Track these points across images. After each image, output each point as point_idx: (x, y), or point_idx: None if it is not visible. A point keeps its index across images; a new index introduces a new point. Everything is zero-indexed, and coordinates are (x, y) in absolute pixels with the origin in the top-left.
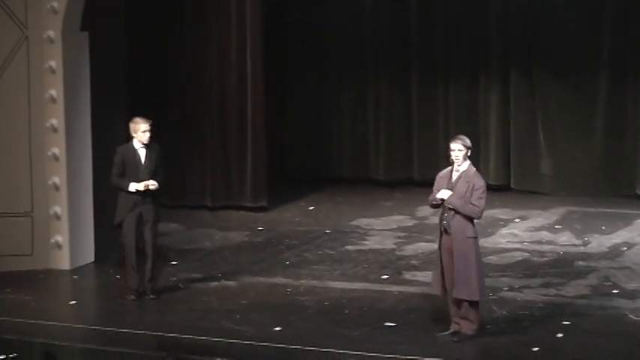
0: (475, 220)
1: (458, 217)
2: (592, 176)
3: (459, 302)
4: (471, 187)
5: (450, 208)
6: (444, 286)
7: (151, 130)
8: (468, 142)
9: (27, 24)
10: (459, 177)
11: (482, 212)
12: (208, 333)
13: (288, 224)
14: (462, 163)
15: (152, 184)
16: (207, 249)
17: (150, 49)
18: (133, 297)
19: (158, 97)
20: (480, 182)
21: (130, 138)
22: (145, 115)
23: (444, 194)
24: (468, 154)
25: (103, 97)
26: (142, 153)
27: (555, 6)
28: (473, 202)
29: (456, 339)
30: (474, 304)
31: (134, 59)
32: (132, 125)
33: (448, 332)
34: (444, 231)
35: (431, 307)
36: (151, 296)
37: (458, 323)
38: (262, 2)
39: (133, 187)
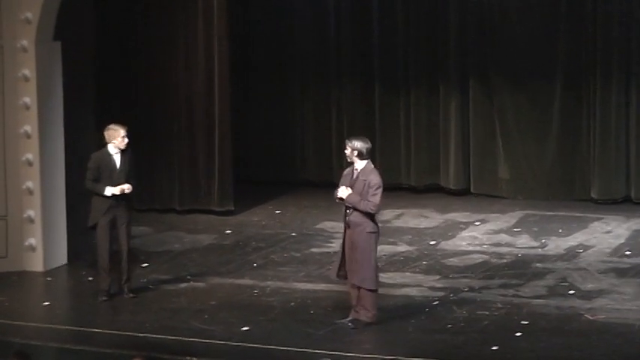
0: (377, 216)
1: (356, 212)
2: (548, 180)
3: (357, 291)
4: (367, 184)
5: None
6: (344, 275)
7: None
8: (359, 144)
9: (1, 33)
10: (357, 175)
11: (377, 207)
12: (178, 332)
13: (255, 227)
14: (356, 161)
15: (127, 188)
16: (177, 251)
17: (118, 55)
18: (104, 298)
19: (126, 103)
20: (375, 179)
21: (104, 144)
22: (116, 122)
23: (342, 193)
24: (355, 154)
25: (73, 104)
26: (117, 158)
27: (511, 16)
28: (368, 199)
29: (352, 326)
30: (369, 293)
31: (103, 66)
32: (109, 132)
33: (347, 319)
34: (347, 225)
35: (392, 307)
36: (130, 295)
37: (357, 312)
38: (228, 9)
39: (109, 191)
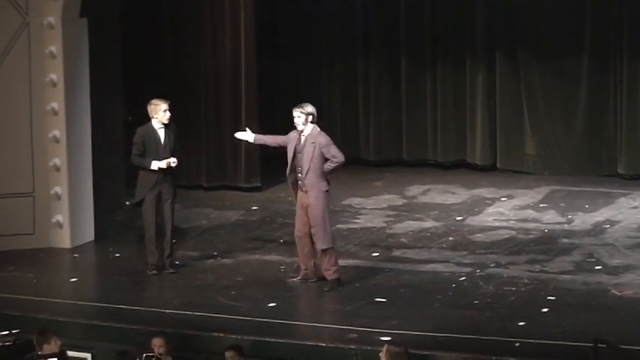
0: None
1: (310, 174)
2: (575, 156)
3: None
4: (317, 146)
5: (301, 169)
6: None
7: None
8: (309, 109)
9: (28, 10)
10: (305, 140)
11: (342, 156)
12: (204, 309)
13: (282, 203)
14: (304, 127)
15: (173, 162)
16: (203, 227)
17: (144, 33)
18: (154, 272)
19: (153, 79)
20: (323, 139)
21: (148, 119)
22: (157, 97)
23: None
24: (309, 119)
25: (99, 81)
26: (162, 133)
27: None
28: (330, 157)
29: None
30: (328, 252)
31: (129, 43)
32: (151, 107)
33: (298, 278)
34: (300, 189)
35: (419, 282)
36: (171, 270)
37: (307, 270)
38: None
39: (155, 165)
